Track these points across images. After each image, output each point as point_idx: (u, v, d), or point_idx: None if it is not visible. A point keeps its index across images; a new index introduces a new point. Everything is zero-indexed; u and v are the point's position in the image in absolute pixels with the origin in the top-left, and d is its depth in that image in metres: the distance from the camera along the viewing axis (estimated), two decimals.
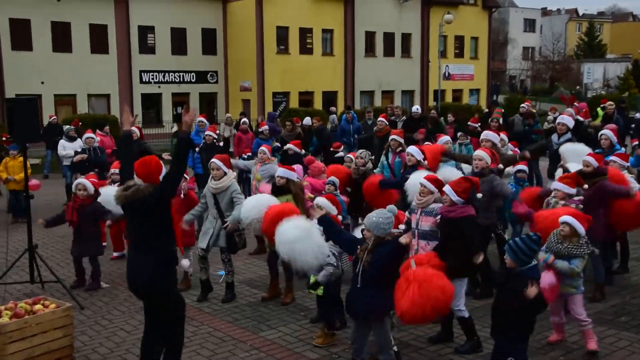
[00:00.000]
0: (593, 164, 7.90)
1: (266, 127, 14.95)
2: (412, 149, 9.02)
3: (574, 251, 6.15)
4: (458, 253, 5.99)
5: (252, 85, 35.65)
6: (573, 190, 7.19)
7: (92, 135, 13.37)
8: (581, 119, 16.00)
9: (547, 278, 6.00)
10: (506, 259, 5.34)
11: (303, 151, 12.38)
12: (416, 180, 7.42)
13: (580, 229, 6.18)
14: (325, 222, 6.01)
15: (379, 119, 15.04)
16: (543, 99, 49.10)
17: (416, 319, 5.43)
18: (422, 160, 8.88)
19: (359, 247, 5.59)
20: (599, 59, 64.46)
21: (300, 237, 6.20)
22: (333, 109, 27.16)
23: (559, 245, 6.21)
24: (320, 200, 7.12)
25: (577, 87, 34.57)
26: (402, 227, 6.66)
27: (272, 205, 7.36)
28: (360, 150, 9.99)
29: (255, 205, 7.49)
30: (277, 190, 8.09)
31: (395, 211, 5.60)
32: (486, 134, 9.61)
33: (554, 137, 11.36)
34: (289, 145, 12.33)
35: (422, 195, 6.64)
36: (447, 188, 6.36)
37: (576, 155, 8.93)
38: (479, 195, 6.72)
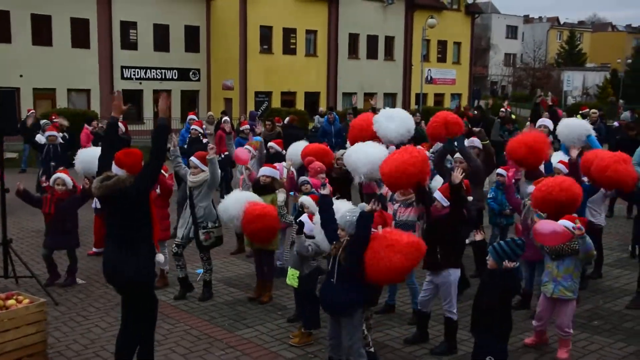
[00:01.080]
0: (563, 171, 8.04)
1: (247, 126, 14.95)
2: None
3: (574, 247, 6.09)
4: (448, 240, 6.12)
5: (234, 84, 35.53)
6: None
7: (54, 132, 13.13)
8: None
9: (551, 224, 5.94)
10: (488, 260, 5.38)
11: (284, 151, 12.34)
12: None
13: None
14: (326, 203, 5.81)
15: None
16: (524, 105, 49.51)
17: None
18: None
19: (333, 243, 5.58)
20: (578, 67, 65.30)
21: None
22: (322, 110, 27.15)
23: (560, 246, 6.15)
24: (305, 199, 7.14)
25: (546, 94, 35.23)
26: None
27: (254, 203, 7.37)
28: (341, 151, 10.03)
29: (235, 202, 7.50)
30: (260, 189, 8.12)
31: (364, 207, 5.63)
32: (543, 120, 9.61)
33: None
34: (270, 144, 12.31)
35: (404, 195, 6.71)
36: (437, 194, 6.42)
37: (572, 134, 8.94)
38: (470, 198, 6.79)
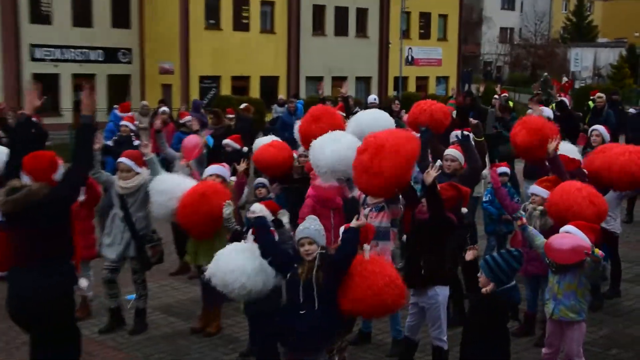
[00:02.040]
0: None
1: (189, 117, 14.86)
2: None
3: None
4: (433, 250, 6.19)
5: (174, 67, 35.36)
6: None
7: None
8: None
9: (573, 240, 5.96)
10: (480, 277, 5.43)
11: (245, 148, 12.33)
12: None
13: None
14: (261, 227, 5.88)
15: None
16: (523, 89, 50.11)
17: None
18: None
19: (297, 266, 5.56)
20: (588, 43, 66.06)
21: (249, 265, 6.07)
22: (281, 97, 27.15)
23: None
24: (257, 207, 7.11)
25: (564, 76, 35.29)
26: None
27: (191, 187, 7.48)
28: (302, 148, 10.02)
29: (167, 188, 7.62)
30: None
31: (314, 218, 5.72)
32: (456, 133, 9.58)
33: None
34: (226, 141, 12.28)
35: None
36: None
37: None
38: (464, 210, 6.85)
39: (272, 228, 6.02)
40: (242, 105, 18.16)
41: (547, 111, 11.49)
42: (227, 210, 7.23)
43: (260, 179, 8.88)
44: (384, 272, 5.51)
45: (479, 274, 5.45)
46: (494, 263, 5.37)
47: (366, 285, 5.40)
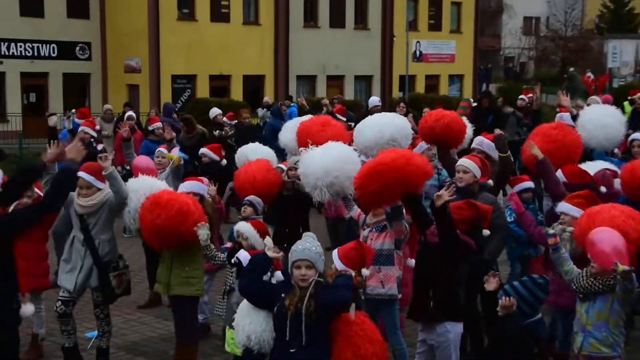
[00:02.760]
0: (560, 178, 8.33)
1: (159, 124, 14.95)
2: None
3: (610, 283, 6.08)
4: (443, 279, 6.23)
5: (141, 64, 35.43)
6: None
7: None
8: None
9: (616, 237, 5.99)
10: (500, 309, 5.48)
11: (224, 161, 12.39)
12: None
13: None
14: (257, 263, 5.97)
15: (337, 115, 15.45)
16: (550, 89, 50.20)
17: None
18: None
19: (283, 296, 5.62)
20: (629, 35, 66.03)
21: None
22: (267, 100, 27.21)
23: (591, 281, 6.18)
24: (243, 226, 7.17)
25: (588, 72, 35.17)
26: (411, 262, 7.03)
27: (163, 192, 7.63)
28: (294, 159, 10.05)
29: (135, 190, 7.77)
30: None
31: (313, 236, 5.79)
32: (480, 140, 9.69)
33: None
34: (204, 151, 12.32)
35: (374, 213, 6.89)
36: None
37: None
38: (486, 232, 6.91)
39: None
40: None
41: (567, 118, 11.53)
42: (203, 233, 7.26)
43: (251, 197, 8.90)
44: (372, 337, 5.59)
45: (500, 304, 5.48)
46: (515, 293, 5.45)
47: (351, 352, 5.49)
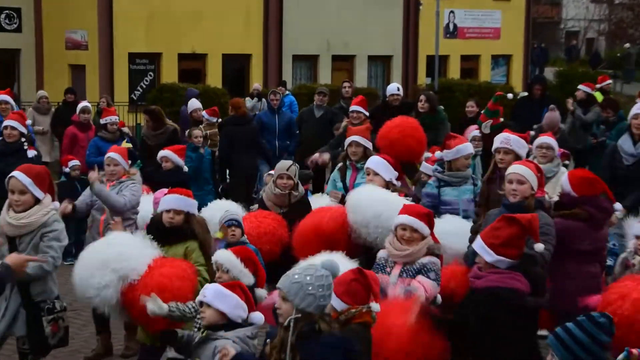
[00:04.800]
0: (565, 187, 8.60)
1: (113, 117, 14.98)
2: (374, 163, 9.73)
3: None
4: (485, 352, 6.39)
5: (88, 39, 35.51)
6: None
7: None
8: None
9: None
10: None
11: (185, 167, 12.43)
12: (380, 207, 8.29)
13: None
14: None
15: (353, 107, 15.25)
16: (629, 74, 50.11)
17: None
18: (394, 181, 9.56)
19: (267, 342, 5.75)
20: None
21: None
22: (256, 87, 27.24)
23: None
24: (222, 256, 7.23)
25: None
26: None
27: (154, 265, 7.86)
28: (286, 163, 10.36)
29: (105, 261, 7.81)
30: (164, 235, 8.42)
31: (337, 269, 5.80)
32: (505, 137, 9.86)
33: (625, 141, 11.69)
34: (164, 153, 12.34)
35: (403, 242, 7.02)
36: (477, 242, 6.78)
37: None
38: (539, 247, 7.08)
39: None
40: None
41: None
42: (154, 308, 7.40)
43: (232, 215, 9.12)
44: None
45: (548, 357, 5.50)
46: (569, 338, 5.40)
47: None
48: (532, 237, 6.87)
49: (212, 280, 7.95)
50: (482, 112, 14.76)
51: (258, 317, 6.57)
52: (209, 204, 11.57)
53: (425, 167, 11.33)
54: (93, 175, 8.40)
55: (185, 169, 12.67)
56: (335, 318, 6.00)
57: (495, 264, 6.60)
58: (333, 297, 6.14)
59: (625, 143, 11.58)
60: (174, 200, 8.46)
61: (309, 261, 6.35)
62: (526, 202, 7.90)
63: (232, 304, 6.47)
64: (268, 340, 5.76)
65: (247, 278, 7.22)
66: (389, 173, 9.59)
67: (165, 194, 8.86)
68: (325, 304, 5.70)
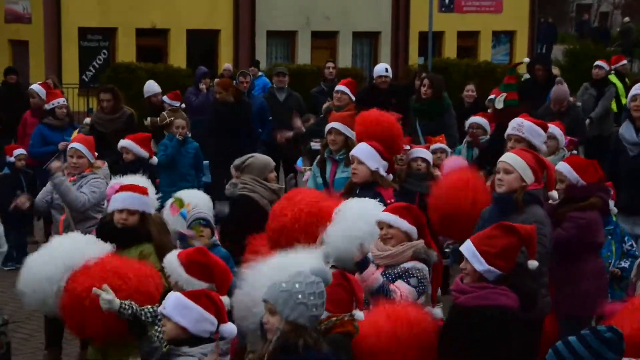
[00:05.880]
0: (569, 177, 8.76)
1: (62, 100, 14.92)
2: (360, 151, 9.66)
3: None
4: None
5: (32, 11, 35.45)
6: None
7: None
8: None
9: None
10: None
11: (154, 159, 12.45)
12: (360, 212, 8.25)
13: None
14: None
15: (339, 87, 15.47)
16: None
17: None
18: (383, 173, 9.55)
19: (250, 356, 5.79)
20: None
21: None
22: (228, 66, 27.22)
23: None
24: (170, 264, 7.24)
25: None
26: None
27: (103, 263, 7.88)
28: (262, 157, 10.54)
29: (56, 256, 7.97)
30: (118, 237, 8.45)
31: (328, 275, 5.88)
32: (519, 122, 9.87)
33: (626, 129, 11.77)
34: (124, 143, 12.35)
35: (386, 243, 7.19)
36: (466, 246, 6.82)
37: None
38: (533, 264, 7.08)
39: None
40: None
41: None
42: (106, 302, 7.40)
43: (200, 213, 9.18)
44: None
45: None
46: (570, 355, 5.44)
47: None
48: (527, 250, 6.93)
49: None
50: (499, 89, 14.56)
51: (229, 329, 6.51)
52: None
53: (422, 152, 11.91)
54: (55, 165, 8.35)
55: (154, 160, 12.67)
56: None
57: (484, 274, 6.66)
58: None
59: (627, 131, 11.64)
60: (127, 199, 8.44)
61: (294, 266, 6.41)
62: (513, 194, 7.96)
63: (193, 318, 6.37)
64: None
65: (191, 286, 7.13)
66: (376, 162, 9.51)
67: (117, 191, 8.78)
68: (319, 314, 5.77)
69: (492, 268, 6.61)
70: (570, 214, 8.61)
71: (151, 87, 18.27)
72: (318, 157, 11.35)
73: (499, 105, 13.50)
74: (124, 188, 8.66)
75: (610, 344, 5.45)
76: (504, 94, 13.51)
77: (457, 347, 6.58)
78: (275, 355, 5.62)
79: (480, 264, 6.60)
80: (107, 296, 7.31)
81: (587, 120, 16.58)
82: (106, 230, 8.51)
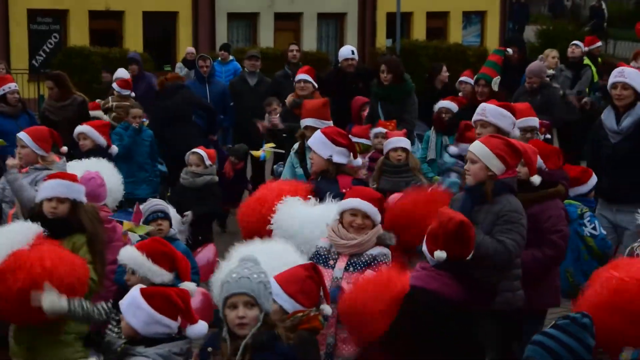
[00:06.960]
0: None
1: (13, 85, 14.88)
2: (312, 140, 9.92)
3: None
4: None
5: None
6: None
7: None
8: None
9: None
10: None
11: (114, 148, 12.40)
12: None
13: None
14: None
15: (300, 76, 15.59)
16: (623, 33, 50.49)
17: None
18: (340, 160, 9.71)
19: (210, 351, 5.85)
20: None
21: None
22: (191, 50, 27.26)
23: None
24: (125, 254, 7.24)
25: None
26: None
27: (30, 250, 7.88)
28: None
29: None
30: (49, 228, 8.38)
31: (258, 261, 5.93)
32: (482, 107, 10.04)
33: (608, 116, 11.75)
34: (82, 129, 12.31)
35: (351, 230, 7.35)
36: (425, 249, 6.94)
37: None
38: (440, 255, 7.11)
39: None
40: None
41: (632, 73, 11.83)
42: (48, 302, 7.34)
43: (156, 205, 9.33)
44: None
45: None
46: (555, 344, 5.57)
47: None
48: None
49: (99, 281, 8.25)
50: (485, 65, 14.91)
51: (197, 330, 6.51)
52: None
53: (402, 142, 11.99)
54: (11, 161, 8.37)
55: (114, 149, 12.62)
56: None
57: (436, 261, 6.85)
58: (285, 298, 6.37)
59: (607, 118, 11.65)
60: (56, 187, 8.40)
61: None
62: (480, 186, 8.05)
63: (142, 319, 6.37)
64: (209, 349, 5.91)
65: (160, 276, 7.19)
66: (328, 149, 9.61)
67: (45, 179, 8.80)
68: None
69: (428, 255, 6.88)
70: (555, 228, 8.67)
71: (119, 73, 18.11)
72: (296, 146, 11.40)
73: (496, 87, 13.94)
74: (52, 176, 8.66)
75: (586, 328, 5.62)
76: (499, 77, 13.76)
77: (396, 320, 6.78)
78: (256, 348, 5.61)
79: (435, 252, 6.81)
80: (50, 299, 7.29)
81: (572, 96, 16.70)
82: (36, 221, 8.39)
